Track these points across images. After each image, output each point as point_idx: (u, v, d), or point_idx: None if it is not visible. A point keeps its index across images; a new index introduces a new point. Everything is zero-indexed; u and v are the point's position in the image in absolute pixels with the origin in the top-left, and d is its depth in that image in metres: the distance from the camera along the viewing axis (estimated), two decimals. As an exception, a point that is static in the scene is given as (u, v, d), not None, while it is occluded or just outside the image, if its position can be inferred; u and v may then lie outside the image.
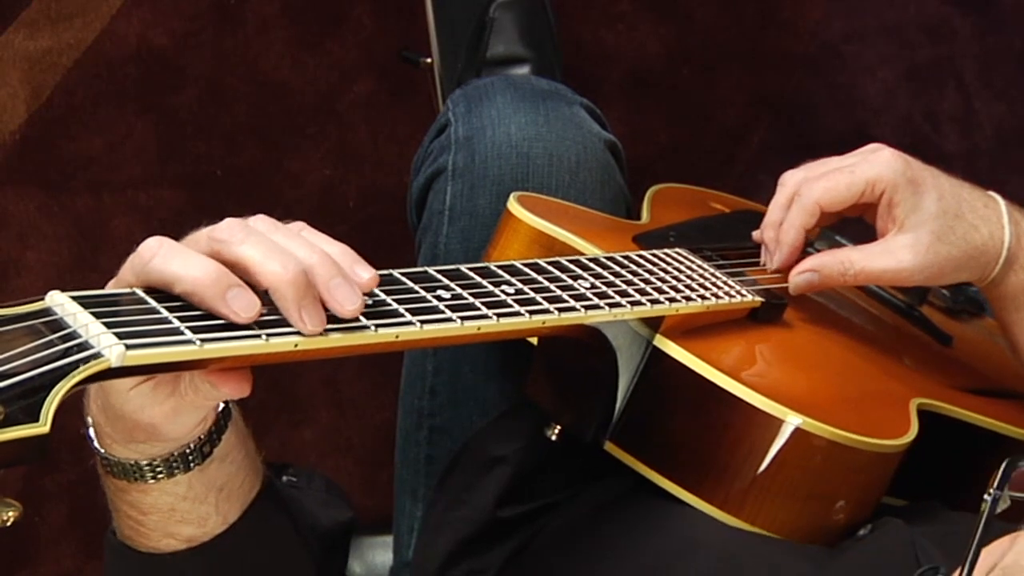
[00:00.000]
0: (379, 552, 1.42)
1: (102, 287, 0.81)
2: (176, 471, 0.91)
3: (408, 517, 1.33)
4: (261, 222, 0.85)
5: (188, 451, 0.90)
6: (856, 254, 1.14)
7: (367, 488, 1.90)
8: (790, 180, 1.17)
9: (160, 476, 0.90)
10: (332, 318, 0.82)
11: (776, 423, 1.02)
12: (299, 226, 0.86)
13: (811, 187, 1.14)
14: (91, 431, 0.91)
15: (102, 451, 0.90)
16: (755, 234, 1.21)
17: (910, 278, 1.14)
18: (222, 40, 1.92)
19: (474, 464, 1.24)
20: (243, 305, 0.79)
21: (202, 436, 0.91)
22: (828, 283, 1.15)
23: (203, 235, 0.83)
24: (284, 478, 1.08)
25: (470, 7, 1.78)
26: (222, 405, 0.92)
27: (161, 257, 0.80)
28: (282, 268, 0.80)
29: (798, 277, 1.15)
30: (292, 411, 1.90)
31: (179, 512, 0.93)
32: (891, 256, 1.13)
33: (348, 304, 0.82)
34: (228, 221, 0.83)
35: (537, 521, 1.21)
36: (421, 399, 1.31)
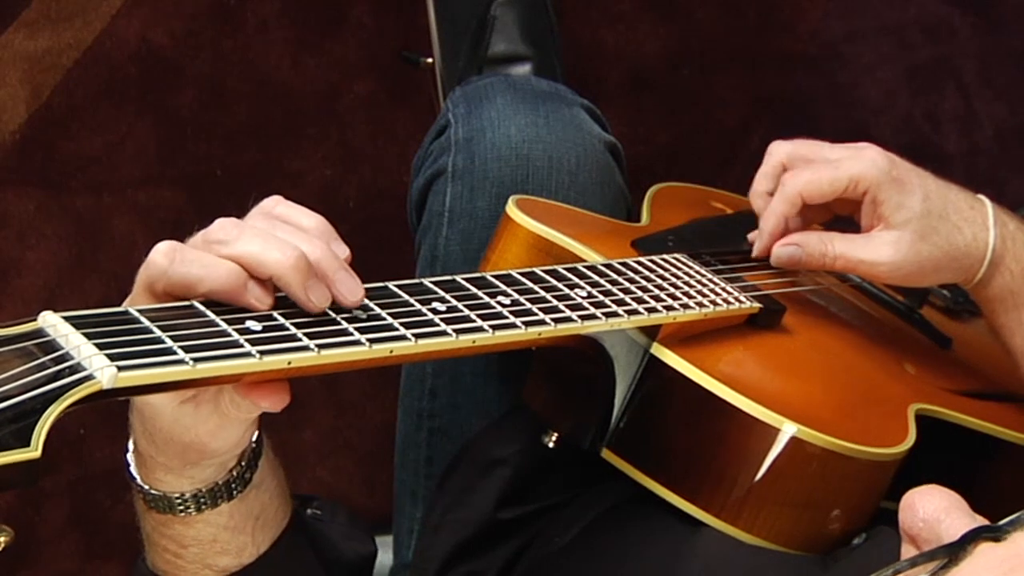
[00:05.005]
0: (379, 553, 1.41)
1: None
2: (220, 500, 0.92)
3: (408, 518, 1.33)
4: (259, 220, 0.86)
5: (231, 479, 0.92)
6: (839, 239, 1.16)
7: (367, 488, 1.90)
8: (777, 150, 1.19)
9: (204, 507, 0.92)
10: (326, 334, 0.82)
11: (771, 431, 1.02)
12: (275, 200, 0.88)
13: (795, 178, 1.15)
14: (133, 469, 0.92)
15: (146, 487, 0.92)
16: (752, 236, 1.21)
17: (887, 274, 1.15)
18: (222, 40, 1.92)
19: (474, 466, 1.24)
20: (259, 295, 0.82)
21: (243, 463, 0.92)
22: (808, 260, 1.16)
23: (198, 240, 0.84)
24: (309, 511, 1.09)
25: (471, 5, 1.78)
26: (256, 433, 0.93)
27: (180, 261, 0.81)
28: (283, 255, 0.82)
29: (781, 248, 1.17)
30: (292, 411, 1.88)
31: (220, 543, 0.95)
32: (872, 249, 1.14)
33: (351, 296, 0.85)
34: (219, 221, 0.85)
35: (537, 523, 1.21)
36: (421, 401, 1.31)
